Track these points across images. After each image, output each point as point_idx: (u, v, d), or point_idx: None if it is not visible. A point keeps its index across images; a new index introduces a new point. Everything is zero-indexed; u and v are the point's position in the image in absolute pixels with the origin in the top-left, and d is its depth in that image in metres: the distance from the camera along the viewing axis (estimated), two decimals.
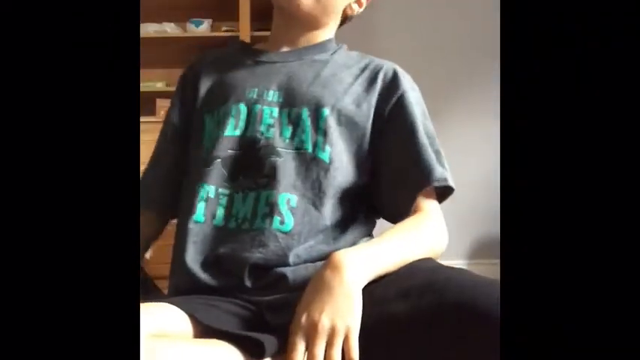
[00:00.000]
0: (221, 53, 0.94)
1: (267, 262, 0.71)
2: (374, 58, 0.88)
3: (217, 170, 0.77)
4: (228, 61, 0.90)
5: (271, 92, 0.82)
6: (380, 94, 0.82)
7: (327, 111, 0.79)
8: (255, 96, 0.82)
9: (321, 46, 0.89)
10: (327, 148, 0.77)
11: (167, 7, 2.52)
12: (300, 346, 0.58)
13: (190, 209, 0.76)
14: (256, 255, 0.71)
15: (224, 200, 0.76)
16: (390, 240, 0.69)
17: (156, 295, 0.80)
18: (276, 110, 0.81)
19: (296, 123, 0.79)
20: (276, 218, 0.73)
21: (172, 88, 2.83)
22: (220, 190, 0.77)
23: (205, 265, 0.73)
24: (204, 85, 0.87)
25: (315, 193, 0.76)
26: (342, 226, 0.77)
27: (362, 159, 0.81)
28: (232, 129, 0.80)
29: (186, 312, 0.63)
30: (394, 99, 0.82)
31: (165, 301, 0.64)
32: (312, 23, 0.87)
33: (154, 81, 2.61)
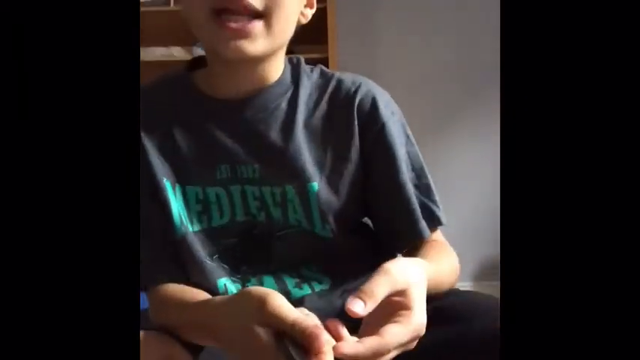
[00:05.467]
0: (159, 93, 0.74)
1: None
2: (340, 79, 0.73)
3: (218, 265, 0.70)
4: (174, 109, 0.72)
5: (244, 167, 0.69)
6: (360, 128, 0.71)
7: (315, 184, 0.68)
8: (228, 174, 0.69)
9: (283, 82, 0.72)
10: (327, 225, 0.69)
11: (173, 30, 2.55)
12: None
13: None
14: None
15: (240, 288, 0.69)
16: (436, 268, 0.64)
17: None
18: (257, 190, 0.69)
19: (283, 204, 0.69)
20: (314, 283, 0.70)
21: None
22: (230, 284, 0.70)
23: None
24: (152, 140, 0.70)
25: (331, 264, 0.71)
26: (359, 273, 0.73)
27: (363, 212, 0.75)
28: (218, 218, 0.69)
29: (185, 343, 0.62)
30: (374, 132, 0.71)
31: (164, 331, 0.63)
32: (266, 57, 0.69)
33: None
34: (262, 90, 0.71)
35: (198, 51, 2.56)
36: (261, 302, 0.48)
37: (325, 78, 0.74)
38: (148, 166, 0.69)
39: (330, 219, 0.69)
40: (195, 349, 0.64)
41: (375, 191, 0.72)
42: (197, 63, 0.76)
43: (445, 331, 0.57)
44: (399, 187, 0.70)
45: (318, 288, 0.70)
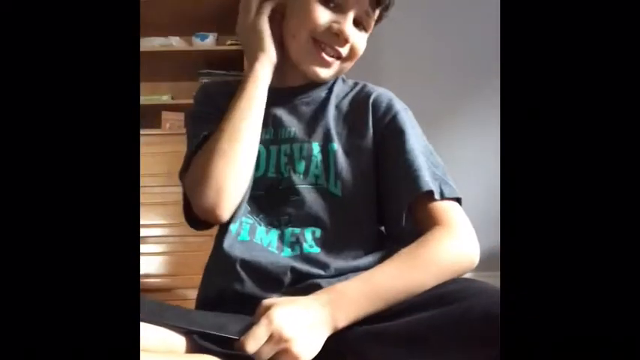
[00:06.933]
0: (227, 85, 0.92)
1: (308, 271, 0.73)
2: (366, 84, 0.91)
3: (242, 205, 0.79)
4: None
5: (284, 130, 0.85)
6: (374, 120, 0.85)
7: (335, 144, 0.82)
8: (270, 136, 0.85)
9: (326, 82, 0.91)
10: (338, 182, 0.81)
11: (173, 21, 2.55)
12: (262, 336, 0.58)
13: (223, 229, 0.79)
14: (296, 263, 0.74)
15: (247, 227, 0.79)
16: (390, 273, 0.68)
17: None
18: (288, 147, 0.84)
19: (308, 158, 0.82)
20: (305, 245, 0.77)
21: (178, 101, 2.85)
22: (244, 219, 0.79)
23: (245, 267, 0.74)
24: (218, 112, 0.84)
25: (334, 226, 0.79)
26: (362, 248, 0.78)
27: (370, 183, 0.82)
28: (255, 171, 0.82)
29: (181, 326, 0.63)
30: (387, 120, 0.84)
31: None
32: None
33: (159, 94, 2.63)
34: (309, 83, 0.89)
35: (197, 41, 2.57)
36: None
37: (355, 83, 0.93)
38: (202, 128, 0.83)
39: (342, 178, 0.81)
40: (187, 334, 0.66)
41: (386, 159, 0.82)
42: None
43: (447, 309, 0.57)
44: (408, 150, 0.80)
45: (305, 252, 0.77)
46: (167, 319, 0.62)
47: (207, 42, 2.58)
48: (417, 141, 0.82)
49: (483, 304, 0.54)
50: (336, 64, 0.85)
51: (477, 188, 2.29)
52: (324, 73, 0.85)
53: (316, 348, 0.61)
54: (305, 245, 0.77)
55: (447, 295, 0.60)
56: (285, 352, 0.58)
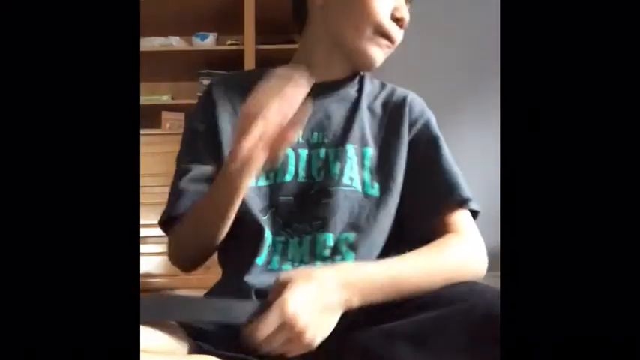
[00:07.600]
0: (242, 79, 0.89)
1: None
2: (395, 87, 0.91)
3: (272, 219, 0.78)
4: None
5: (315, 134, 0.83)
6: (409, 122, 0.85)
7: (370, 149, 0.82)
8: (300, 140, 0.82)
9: (351, 77, 0.89)
10: (376, 184, 0.80)
11: (173, 20, 2.55)
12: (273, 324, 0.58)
13: (253, 251, 0.75)
14: None
15: (279, 247, 0.77)
16: (409, 266, 0.68)
17: None
18: (323, 151, 0.81)
19: (343, 161, 0.80)
20: (337, 258, 0.75)
21: (178, 101, 2.85)
22: (276, 237, 0.77)
23: (259, 295, 0.72)
24: (226, 117, 0.84)
25: (370, 228, 0.77)
26: (392, 252, 0.77)
27: (400, 185, 0.82)
28: (282, 175, 0.80)
29: (184, 328, 0.64)
30: (420, 124, 0.85)
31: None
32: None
33: (159, 94, 2.63)
34: (335, 81, 0.87)
35: (197, 41, 2.57)
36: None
37: (383, 84, 0.92)
38: (221, 131, 0.82)
39: (380, 180, 0.80)
40: (192, 333, 0.66)
41: (420, 163, 0.82)
42: None
43: (451, 308, 0.58)
44: (445, 157, 0.82)
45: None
46: (170, 315, 0.61)
47: (207, 42, 2.58)
48: (445, 150, 0.84)
49: (485, 304, 0.55)
50: (388, 54, 0.85)
51: (477, 188, 2.29)
52: (380, 58, 0.85)
53: (327, 331, 0.60)
54: (337, 258, 0.75)
55: (450, 295, 0.61)
56: (297, 339, 0.58)
